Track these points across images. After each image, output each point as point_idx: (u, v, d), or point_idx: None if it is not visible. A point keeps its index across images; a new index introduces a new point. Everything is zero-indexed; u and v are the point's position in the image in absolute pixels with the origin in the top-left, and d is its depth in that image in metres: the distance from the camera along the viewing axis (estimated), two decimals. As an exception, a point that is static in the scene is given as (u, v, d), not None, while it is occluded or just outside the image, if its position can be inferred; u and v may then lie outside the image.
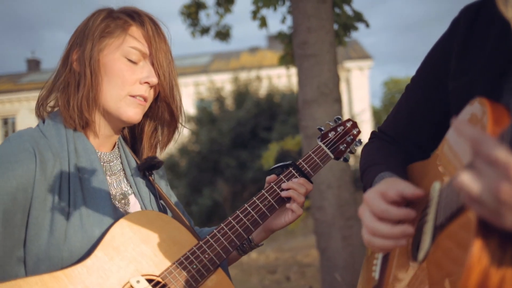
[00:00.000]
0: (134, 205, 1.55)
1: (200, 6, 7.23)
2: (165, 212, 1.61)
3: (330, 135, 1.72)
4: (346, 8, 4.86)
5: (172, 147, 14.65)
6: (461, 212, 0.84)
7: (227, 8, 7.19)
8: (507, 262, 0.74)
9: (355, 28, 4.92)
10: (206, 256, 1.45)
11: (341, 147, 1.71)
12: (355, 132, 1.74)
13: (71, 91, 1.46)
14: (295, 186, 1.59)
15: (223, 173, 13.22)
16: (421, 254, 1.00)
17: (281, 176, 1.63)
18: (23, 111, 27.46)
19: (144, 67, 1.50)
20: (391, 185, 1.06)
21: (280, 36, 5.22)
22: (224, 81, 18.68)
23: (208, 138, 13.51)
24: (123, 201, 1.53)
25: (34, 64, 35.46)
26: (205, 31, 7.38)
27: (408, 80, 1.35)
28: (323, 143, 1.70)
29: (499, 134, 0.70)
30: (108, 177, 1.52)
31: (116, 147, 1.60)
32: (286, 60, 5.33)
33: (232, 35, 7.36)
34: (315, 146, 1.70)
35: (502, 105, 0.85)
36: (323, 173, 4.22)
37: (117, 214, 1.45)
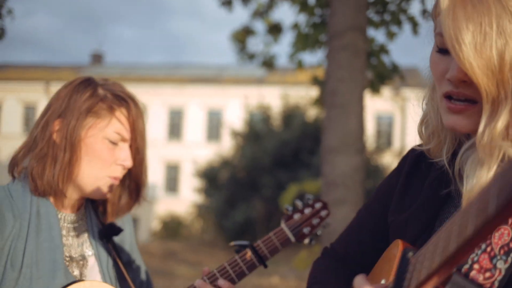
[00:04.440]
0: (93, 267, 1.56)
1: (249, 32, 7.38)
2: (122, 276, 1.63)
3: (295, 217, 1.67)
4: (385, 59, 4.86)
5: (214, 159, 14.60)
6: None
7: (276, 38, 7.30)
8: None
9: (391, 79, 4.91)
10: None
11: (304, 230, 1.66)
12: (322, 215, 1.69)
13: (47, 162, 1.47)
14: None
15: (261, 191, 13.22)
16: None
17: (236, 257, 1.61)
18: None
19: (123, 149, 1.55)
20: None
21: (314, 81, 5.29)
22: (275, 96, 18.68)
23: (251, 155, 13.57)
24: (81, 262, 1.54)
25: (97, 58, 36.73)
26: (252, 57, 7.53)
27: None
28: (286, 225, 1.66)
29: None
30: (70, 238, 1.54)
31: (82, 207, 1.61)
32: (318, 104, 5.38)
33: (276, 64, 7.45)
34: (277, 228, 1.67)
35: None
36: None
37: (68, 279, 1.44)
